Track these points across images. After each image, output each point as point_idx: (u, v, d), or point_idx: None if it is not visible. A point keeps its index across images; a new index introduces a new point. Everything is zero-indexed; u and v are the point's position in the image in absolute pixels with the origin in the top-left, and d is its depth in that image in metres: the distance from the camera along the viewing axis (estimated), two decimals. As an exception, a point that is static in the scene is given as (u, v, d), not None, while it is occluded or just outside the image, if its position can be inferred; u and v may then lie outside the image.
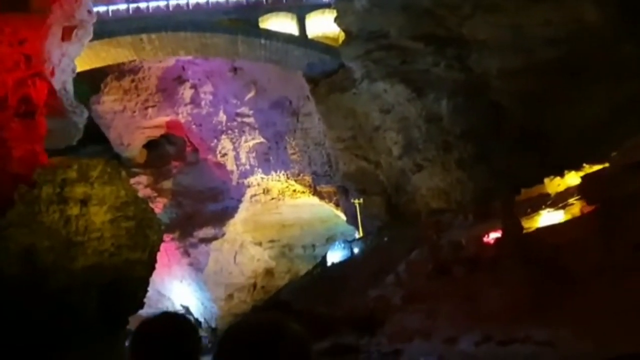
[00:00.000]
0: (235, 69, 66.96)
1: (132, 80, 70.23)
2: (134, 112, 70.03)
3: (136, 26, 44.67)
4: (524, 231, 19.34)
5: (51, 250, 39.17)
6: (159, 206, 69.50)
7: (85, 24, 25.68)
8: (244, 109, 66.70)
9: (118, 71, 69.75)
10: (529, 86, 38.96)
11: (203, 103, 69.15)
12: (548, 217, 21.31)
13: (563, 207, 22.43)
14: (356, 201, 46.19)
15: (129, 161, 71.59)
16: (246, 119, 66.92)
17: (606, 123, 36.22)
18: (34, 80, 21.19)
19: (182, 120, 69.66)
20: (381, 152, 46.51)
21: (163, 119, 70.72)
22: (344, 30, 45.45)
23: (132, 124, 70.58)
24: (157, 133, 73.21)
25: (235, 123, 67.84)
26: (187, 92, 69.50)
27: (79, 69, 47.75)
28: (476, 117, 39.63)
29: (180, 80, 70.11)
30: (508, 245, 17.32)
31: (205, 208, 70.83)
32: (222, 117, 68.43)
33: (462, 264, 19.04)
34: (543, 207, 23.58)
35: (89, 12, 25.93)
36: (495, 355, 14.76)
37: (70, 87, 28.65)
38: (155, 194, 70.83)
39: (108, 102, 69.57)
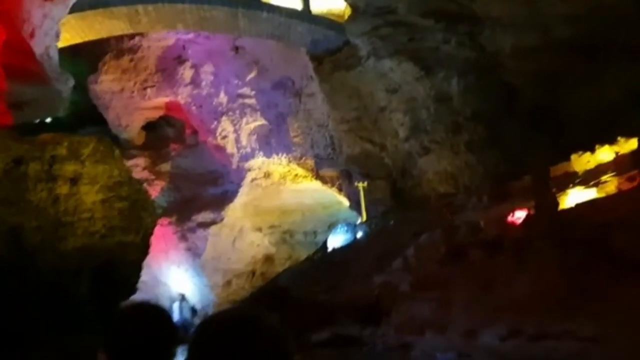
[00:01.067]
0: (236, 48, 64.97)
1: (131, 60, 68.57)
2: (133, 92, 68.39)
3: (132, -3, 42.68)
4: (559, 209, 17.40)
5: (39, 230, 37.57)
6: (156, 189, 68.33)
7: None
8: (246, 90, 64.74)
9: (117, 50, 68.16)
10: (544, 66, 36.97)
11: (203, 84, 67.34)
12: (577, 197, 19.39)
13: (595, 185, 20.51)
14: (360, 184, 44.32)
15: (127, 143, 70.27)
16: (247, 100, 65.01)
17: (622, 106, 34.28)
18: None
19: (182, 102, 68.00)
20: (387, 134, 44.57)
21: (162, 100, 69.09)
22: (350, 5, 43.28)
23: (130, 105, 69.14)
24: (156, 114, 71.81)
25: (236, 104, 65.96)
26: (187, 72, 67.72)
27: (71, 42, 46.01)
28: (488, 97, 37.71)
29: (181, 59, 68.33)
30: (541, 223, 15.24)
31: (204, 192, 69.42)
32: (223, 98, 66.59)
33: (481, 247, 17.07)
34: (571, 185, 21.65)
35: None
36: (528, 352, 12.75)
37: (54, 53, 26.73)
38: (153, 177, 69.43)
39: (106, 82, 67.95)
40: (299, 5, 44.40)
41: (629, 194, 16.45)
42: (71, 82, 30.28)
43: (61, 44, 46.00)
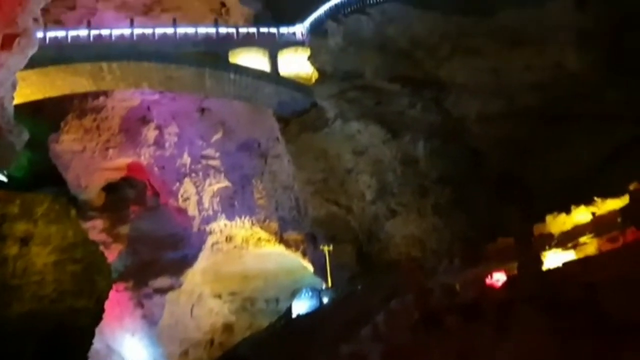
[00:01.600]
0: (202, 110, 64.54)
1: (94, 120, 67.22)
2: (94, 152, 66.74)
3: (97, 53, 41.90)
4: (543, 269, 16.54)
5: (-18, 294, 34.86)
6: (113, 253, 65.71)
7: (29, 33, 22.82)
8: (210, 151, 63.87)
9: (80, 109, 66.91)
10: (510, 132, 37.54)
11: (167, 144, 66.19)
12: (555, 259, 18.73)
13: (573, 247, 19.93)
14: (325, 248, 43.17)
15: (86, 204, 68.18)
16: (211, 162, 64.01)
17: (591, 170, 34.70)
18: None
19: (144, 163, 66.51)
20: (353, 196, 44.00)
21: (124, 161, 67.52)
22: (317, 69, 43.68)
23: (91, 165, 67.31)
24: (118, 175, 69.99)
25: (199, 166, 64.82)
26: (151, 133, 66.61)
27: (31, 98, 44.71)
28: (454, 161, 37.80)
29: (145, 120, 67.27)
30: (525, 285, 14.32)
31: (163, 256, 66.87)
32: (186, 159, 65.41)
33: (458, 313, 16.01)
34: (547, 247, 21.07)
35: (35, 20, 23.10)
36: None
37: (9, 104, 25.45)
38: (111, 240, 66.88)
39: (67, 142, 66.23)
40: (267, 68, 44.46)
41: (615, 253, 15.84)
42: (25, 136, 28.87)
43: (21, 99, 44.63)
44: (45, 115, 67.96)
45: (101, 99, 67.36)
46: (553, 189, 35.06)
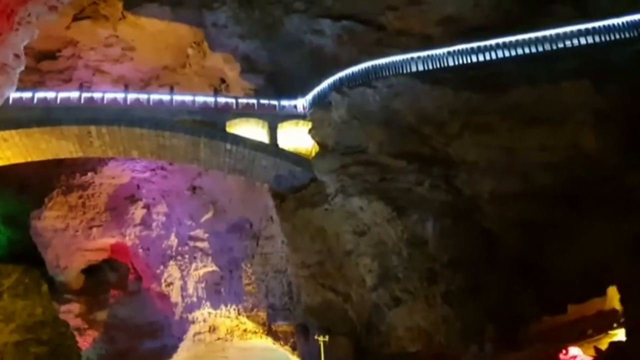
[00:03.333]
0: (194, 188, 62.00)
1: (80, 197, 64.65)
2: (77, 231, 63.76)
3: (86, 117, 39.58)
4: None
5: None
6: (88, 340, 61.44)
7: (8, 70, 20.39)
8: (199, 232, 60.57)
9: (66, 185, 64.62)
10: (525, 213, 34.60)
11: (154, 225, 63.21)
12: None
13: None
14: (320, 338, 38.55)
15: (63, 286, 64.31)
16: (199, 244, 60.54)
17: (611, 259, 31.45)
18: None
19: (129, 243, 63.27)
20: (352, 281, 40.10)
21: (107, 241, 64.37)
22: (318, 143, 41.40)
23: (72, 245, 64.19)
24: (99, 257, 66.77)
25: (186, 248, 61.34)
26: (138, 212, 63.86)
27: (12, 161, 41.81)
28: (466, 243, 34.53)
29: (133, 199, 64.80)
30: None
31: (140, 345, 62.21)
32: (173, 240, 62.18)
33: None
34: (615, 325, 17.43)
35: (17, 56, 20.72)
36: None
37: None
38: (86, 326, 62.51)
39: (50, 219, 63.25)
40: (265, 140, 42.18)
41: None
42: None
43: (2, 162, 41.78)
44: (31, 193, 65.27)
45: (89, 175, 65.08)
46: (571, 276, 31.79)
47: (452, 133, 37.27)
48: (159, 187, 64.43)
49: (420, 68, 39.21)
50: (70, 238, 63.87)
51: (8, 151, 39.80)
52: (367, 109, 38.59)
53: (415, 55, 39.46)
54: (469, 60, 38.57)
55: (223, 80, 52.16)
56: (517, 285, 32.73)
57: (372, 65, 39.74)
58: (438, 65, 39.07)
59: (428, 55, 39.29)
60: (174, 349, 59.19)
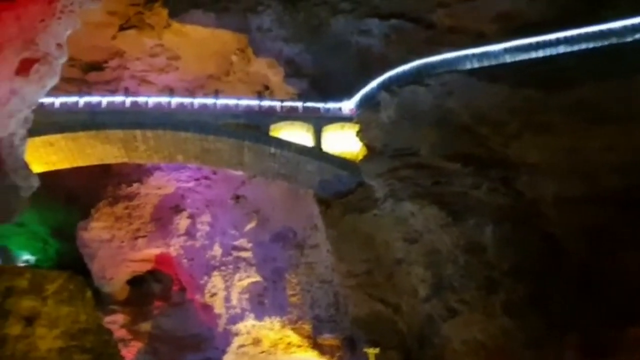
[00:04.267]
0: (237, 197, 61.08)
1: (126, 207, 64.91)
2: (123, 242, 63.94)
3: (131, 120, 39.16)
4: None
5: (-25, 377, 29.62)
6: (132, 351, 61.17)
7: (50, 59, 19.63)
8: (242, 241, 59.48)
9: (113, 196, 64.95)
10: (591, 218, 31.91)
11: (198, 235, 62.72)
12: None
13: None
14: (370, 350, 36.52)
15: (109, 297, 64.31)
16: (243, 254, 59.42)
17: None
18: None
19: (173, 254, 63.02)
20: (403, 292, 38.01)
21: (152, 252, 64.25)
22: (365, 146, 39.70)
23: (118, 256, 64.41)
24: (144, 268, 66.73)
25: (230, 258, 60.35)
26: (183, 222, 63.57)
27: (58, 166, 41.66)
28: (528, 249, 32.11)
29: (178, 209, 64.55)
30: None
31: (183, 358, 61.80)
32: (217, 250, 61.36)
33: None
34: None
35: (59, 46, 19.94)
36: None
37: (20, 143, 21.70)
38: (130, 337, 62.21)
39: (96, 229, 63.66)
40: (310, 144, 40.75)
41: None
42: (34, 182, 24.87)
43: (47, 167, 41.61)
44: (78, 205, 65.91)
45: (135, 185, 65.32)
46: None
47: (510, 133, 34.98)
48: (203, 197, 63.97)
49: (476, 65, 37.06)
50: (116, 249, 64.11)
51: (54, 156, 39.65)
52: (418, 108, 36.70)
53: (469, 52, 37.39)
54: (528, 57, 36.18)
55: (267, 87, 51.27)
56: (585, 293, 30.03)
57: (424, 63, 37.91)
58: (494, 63, 36.82)
59: (483, 52, 37.16)
60: (218, 361, 58.19)
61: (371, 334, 39.98)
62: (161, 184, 64.81)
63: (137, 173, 66.21)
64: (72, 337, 36.04)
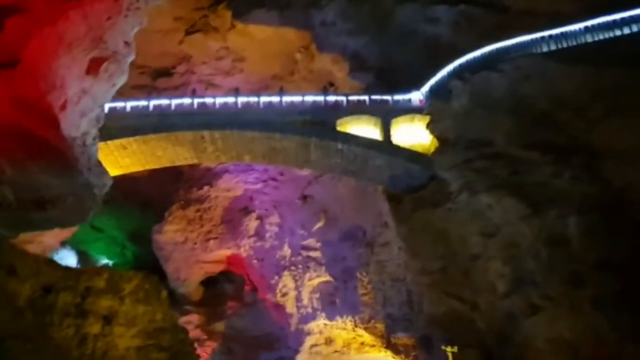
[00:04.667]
0: (305, 197, 60.91)
1: (197, 210, 66.42)
2: (195, 244, 65.41)
3: (199, 121, 39.41)
4: None
5: (57, 376, 30.41)
6: (207, 350, 62.48)
7: (119, 57, 19.75)
8: (311, 241, 59.17)
9: (184, 200, 66.59)
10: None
11: (267, 235, 63.04)
12: None
13: None
14: (448, 349, 35.01)
15: (183, 298, 65.99)
16: (312, 253, 59.09)
17: None
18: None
19: (244, 254, 63.73)
20: (481, 288, 36.17)
21: (224, 253, 65.34)
22: (437, 138, 38.21)
23: (191, 257, 66.01)
24: (217, 269, 68.12)
25: (299, 258, 60.19)
26: (252, 224, 64.20)
27: (131, 169, 42.70)
28: (618, 240, 29.63)
29: (247, 210, 65.34)
30: None
31: (257, 357, 62.35)
32: (287, 251, 61.41)
33: None
34: None
35: (127, 44, 20.05)
36: None
37: (92, 142, 22.00)
38: (205, 337, 63.39)
39: (170, 232, 65.40)
40: (378, 138, 39.64)
41: None
42: (108, 180, 25.23)
43: (121, 170, 42.73)
44: (153, 209, 67.86)
45: (205, 188, 66.69)
46: None
47: (594, 117, 32.62)
48: (270, 198, 64.25)
49: (553, 48, 34.90)
50: (189, 251, 65.57)
51: (127, 159, 40.61)
52: (492, 95, 34.91)
53: (545, 34, 35.26)
54: (611, 35, 33.68)
55: (331, 84, 50.67)
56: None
57: (496, 49, 36.07)
58: (574, 44, 34.54)
59: (562, 33, 34.94)
60: (291, 360, 58.02)
61: (448, 332, 38.35)
62: (230, 187, 65.70)
63: (207, 176, 67.46)
64: (149, 335, 36.60)
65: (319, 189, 58.90)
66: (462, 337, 37.41)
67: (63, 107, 17.90)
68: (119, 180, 67.19)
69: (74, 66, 17.84)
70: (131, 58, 20.85)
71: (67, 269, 36.91)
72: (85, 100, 19.39)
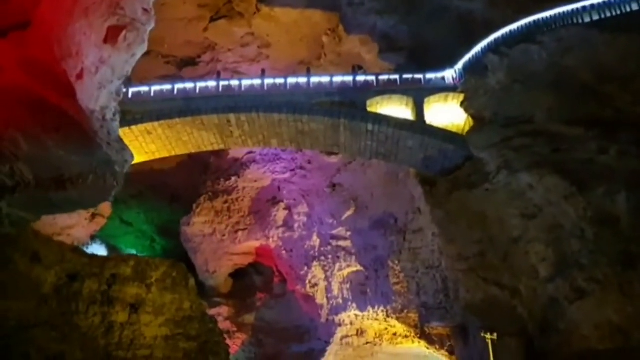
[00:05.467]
0: (333, 185, 59.57)
1: (225, 202, 65.73)
2: (224, 235, 64.81)
3: (224, 105, 38.31)
4: None
5: (83, 364, 29.70)
6: (237, 343, 62.07)
7: (138, 25, 18.74)
8: (340, 230, 57.83)
9: (212, 191, 66.03)
10: None
11: (296, 226, 61.98)
12: None
13: None
14: (488, 336, 33.30)
15: (213, 290, 65.73)
16: (342, 243, 57.75)
17: None
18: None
19: (272, 245, 62.83)
20: (521, 273, 34.37)
21: (252, 244, 64.57)
22: (472, 116, 36.45)
23: (220, 249, 65.45)
24: (245, 261, 67.52)
25: (329, 248, 58.92)
26: (280, 214, 63.19)
27: (157, 155, 41.89)
28: (673, 219, 27.61)
29: (275, 201, 64.38)
30: None
31: (287, 349, 61.23)
32: (316, 241, 60.22)
33: None
34: None
35: (146, 11, 19.04)
36: None
37: (112, 117, 21.00)
38: (235, 329, 62.81)
39: (198, 224, 64.94)
40: (410, 118, 37.99)
41: None
42: (129, 157, 24.26)
43: (147, 157, 41.90)
44: (181, 203, 67.56)
45: (233, 179, 65.98)
46: None
47: (641, 89, 30.54)
48: (299, 188, 63.14)
49: (596, 18, 32.80)
50: (218, 242, 64.99)
51: (152, 145, 39.80)
52: (531, 69, 33.00)
53: (587, 3, 33.17)
54: (658, 1, 31.52)
55: (360, 67, 49.14)
56: None
57: (535, 21, 34.08)
58: (618, 12, 32.38)
59: (604, 2, 32.81)
60: (321, 353, 56.80)
61: (486, 320, 36.62)
62: (257, 177, 64.83)
63: (234, 167, 66.74)
64: (177, 324, 35.80)
65: (348, 176, 57.54)
66: (501, 325, 35.65)
67: (80, 76, 16.94)
68: (148, 174, 67.53)
69: (91, 33, 16.88)
70: (151, 27, 19.85)
71: (93, 256, 36.34)
72: (104, 70, 18.43)
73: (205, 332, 38.39)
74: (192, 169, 69.92)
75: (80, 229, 57.63)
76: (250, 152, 65.93)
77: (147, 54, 64.09)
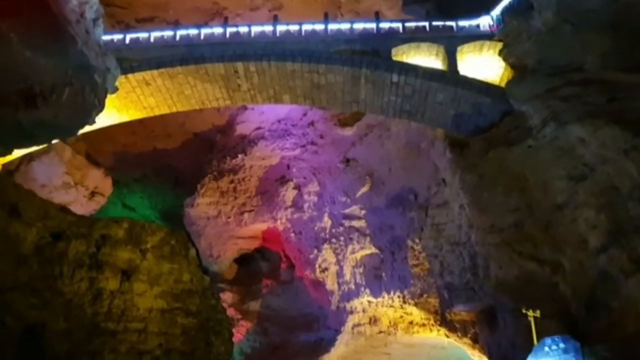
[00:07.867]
0: (347, 160, 55.41)
1: (231, 182, 62.33)
2: (229, 217, 61.53)
3: (232, 52, 34.19)
4: None
5: (66, 336, 25.68)
6: (242, 331, 57.99)
7: None
8: (354, 209, 53.65)
9: (217, 170, 62.59)
10: None
11: (306, 206, 58.20)
12: None
13: None
14: (530, 313, 28.94)
15: (217, 276, 62.06)
16: (355, 223, 53.59)
17: None
18: None
19: (280, 228, 59.37)
20: (566, 245, 30.01)
21: (259, 227, 61.19)
22: (512, 66, 32.17)
23: (225, 232, 62.29)
24: (251, 246, 64.48)
25: (341, 229, 54.89)
26: (289, 194, 59.51)
27: (156, 112, 37.85)
28: None
29: (284, 180, 60.81)
30: None
31: (295, 338, 57.86)
32: (327, 222, 56.29)
33: None
34: None
35: None
36: None
37: (93, 16, 16.95)
38: (239, 316, 59.88)
39: (202, 205, 61.67)
40: (440, 67, 33.76)
41: None
42: (113, 65, 20.14)
43: (145, 113, 37.96)
44: (185, 186, 64.21)
45: (240, 157, 62.46)
46: None
47: None
48: (309, 165, 59.28)
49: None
50: (223, 225, 61.88)
51: (152, 98, 35.83)
52: (586, 7, 28.72)
53: None
54: None
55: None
56: None
57: (590, -49, 29.76)
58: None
59: None
60: (331, 342, 53.30)
61: (521, 300, 32.10)
62: (266, 154, 61.20)
63: (242, 144, 63.17)
64: (175, 298, 31.93)
65: (363, 150, 53.41)
66: (539, 305, 31.09)
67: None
68: (151, 155, 63.90)
69: None
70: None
71: (81, 216, 32.44)
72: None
73: (207, 308, 34.51)
74: (197, 149, 66.66)
75: (79, 207, 53.99)
76: (259, 128, 62.41)
77: (150, 20, 59.43)
